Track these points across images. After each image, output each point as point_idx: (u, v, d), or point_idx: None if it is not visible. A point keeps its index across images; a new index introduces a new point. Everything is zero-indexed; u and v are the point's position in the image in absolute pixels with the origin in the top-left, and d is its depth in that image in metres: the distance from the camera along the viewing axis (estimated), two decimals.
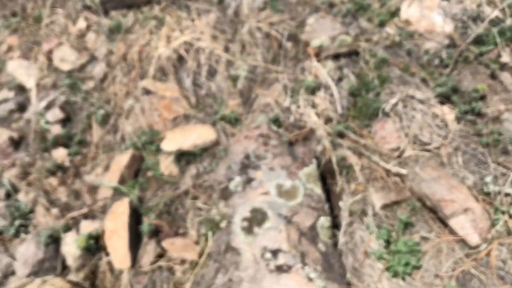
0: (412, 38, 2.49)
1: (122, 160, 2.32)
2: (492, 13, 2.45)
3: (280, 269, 1.71)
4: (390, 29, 2.54)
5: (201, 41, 2.64)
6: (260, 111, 2.37)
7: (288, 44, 2.59)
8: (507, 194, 1.87)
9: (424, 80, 2.33)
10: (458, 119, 2.15)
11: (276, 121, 2.31)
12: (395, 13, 2.62)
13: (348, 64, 2.43)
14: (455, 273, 1.75)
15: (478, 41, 2.41)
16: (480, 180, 1.94)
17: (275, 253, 1.74)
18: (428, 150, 2.08)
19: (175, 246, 1.97)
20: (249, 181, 1.99)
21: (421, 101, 2.19)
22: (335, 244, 1.90)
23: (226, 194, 2.02)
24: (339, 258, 1.85)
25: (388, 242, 1.85)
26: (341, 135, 2.21)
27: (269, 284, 1.67)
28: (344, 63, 2.42)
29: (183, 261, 1.92)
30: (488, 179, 1.91)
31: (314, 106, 2.33)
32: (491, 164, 1.98)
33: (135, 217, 2.11)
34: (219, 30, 2.72)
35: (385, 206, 1.96)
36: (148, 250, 1.98)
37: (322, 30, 2.46)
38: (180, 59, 2.66)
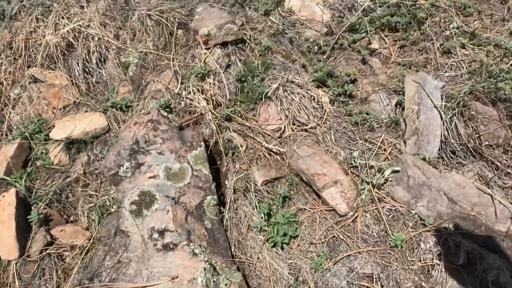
0: (295, 26, 2.69)
1: (8, 150, 2.29)
2: (364, 3, 2.72)
3: (166, 247, 1.82)
4: (274, 18, 2.72)
5: (91, 28, 2.64)
6: (151, 98, 2.45)
7: (179, 32, 2.67)
8: (371, 167, 2.13)
9: (304, 66, 2.54)
10: (332, 101, 2.39)
11: (168, 107, 2.39)
12: (279, 2, 2.80)
13: (235, 52, 2.57)
14: (327, 240, 1.98)
15: (352, 29, 2.66)
16: (350, 155, 2.19)
17: (162, 233, 1.85)
18: (306, 130, 2.29)
19: (65, 233, 2.01)
20: (138, 166, 2.07)
21: (300, 86, 2.40)
22: (221, 221, 2.05)
23: (116, 180, 2.09)
24: (224, 233, 2.01)
25: (268, 216, 2.04)
26: (228, 119, 2.35)
27: (156, 263, 1.78)
28: (231, 51, 2.56)
29: (72, 248, 1.97)
30: (356, 154, 2.16)
31: (203, 92, 2.44)
32: (359, 140, 2.24)
33: (24, 207, 2.11)
34: (109, 17, 2.72)
35: (266, 183, 2.14)
36: (37, 239, 2.00)
37: (210, 19, 2.57)
38: (69, 47, 2.63)
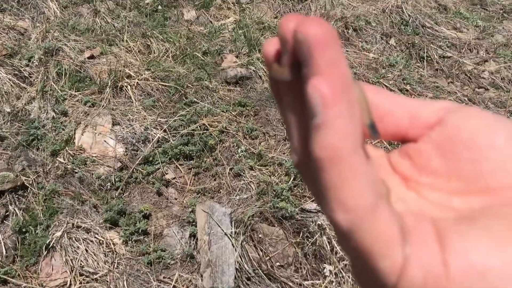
0: (85, 164, 2.60)
1: None
2: (157, 134, 2.77)
3: None
4: (62, 158, 2.60)
5: None
6: None
7: None
8: None
9: (95, 206, 2.41)
10: (126, 242, 2.27)
11: None
12: (69, 141, 2.71)
13: (14, 201, 2.35)
14: None
15: (147, 161, 2.66)
16: None
17: None
18: (96, 280, 2.10)
19: None
20: None
21: (88, 230, 2.24)
22: None
23: None
24: None
25: None
26: (3, 281, 2.06)
27: None
28: (9, 200, 2.33)
29: None
30: None
31: None
32: (154, 282, 2.11)
33: None
34: None
35: None
36: None
37: None
38: None
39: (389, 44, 3.99)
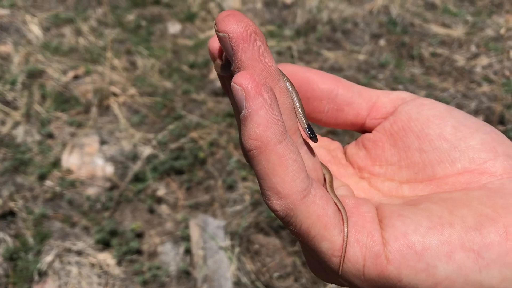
0: (74, 186, 2.61)
1: None
2: (145, 151, 2.79)
3: None
4: (50, 181, 2.62)
5: None
6: None
7: None
8: None
9: (86, 228, 2.42)
10: (119, 262, 2.28)
11: None
12: (56, 163, 2.73)
13: (3, 228, 2.36)
14: None
15: (137, 179, 2.68)
16: None
17: None
18: None
19: None
20: None
21: (79, 253, 2.25)
22: None
23: None
24: None
25: None
26: None
27: None
28: None
29: None
30: None
31: None
32: None
33: None
34: None
35: None
36: None
37: None
38: None
39: (378, 44, 4.04)
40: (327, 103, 0.55)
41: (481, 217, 0.41)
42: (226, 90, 0.46)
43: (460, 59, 3.87)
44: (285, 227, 0.52)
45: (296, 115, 0.49)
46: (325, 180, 0.50)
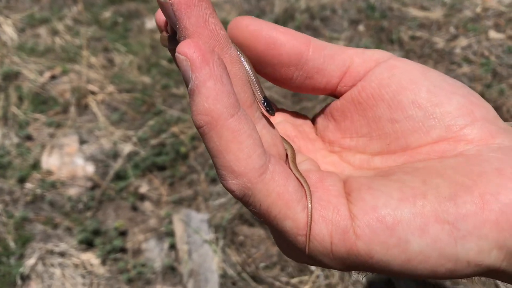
0: (55, 187, 2.58)
1: None
2: (126, 148, 2.76)
3: None
4: (30, 184, 2.58)
5: None
6: None
7: None
8: None
9: (68, 229, 2.39)
10: (104, 261, 2.25)
11: None
12: (35, 165, 2.69)
13: None
14: None
15: (119, 177, 2.65)
16: None
17: None
18: None
19: None
20: None
21: (61, 254, 2.23)
22: None
23: None
24: None
25: None
26: None
27: None
28: None
29: None
30: None
31: None
32: None
33: None
34: None
35: None
36: None
37: None
38: None
39: (357, 30, 4.03)
40: (296, 70, 0.49)
41: (456, 186, 0.39)
42: (178, 65, 0.42)
43: (439, 41, 3.88)
44: (246, 208, 0.49)
45: (250, 86, 0.45)
46: (287, 156, 0.47)
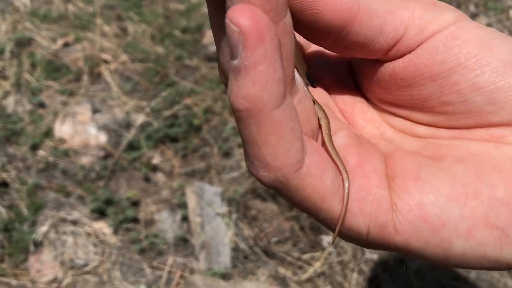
0: (68, 156, 2.57)
1: None
2: (138, 118, 2.74)
3: None
4: (43, 151, 2.57)
5: None
6: None
7: None
8: None
9: (81, 197, 2.39)
10: (116, 231, 2.25)
11: None
12: (48, 133, 2.67)
13: None
14: None
15: (131, 147, 2.63)
16: None
17: None
18: (88, 272, 2.09)
19: None
20: None
21: (74, 222, 2.23)
22: None
23: None
24: None
25: None
26: None
27: None
28: None
29: None
30: (142, 287, 2.02)
31: None
32: (147, 269, 2.11)
33: None
34: None
35: None
36: None
37: None
38: None
39: None
40: (333, 41, 0.41)
41: None
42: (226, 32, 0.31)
43: None
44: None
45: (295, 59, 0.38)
46: (320, 127, 0.41)
